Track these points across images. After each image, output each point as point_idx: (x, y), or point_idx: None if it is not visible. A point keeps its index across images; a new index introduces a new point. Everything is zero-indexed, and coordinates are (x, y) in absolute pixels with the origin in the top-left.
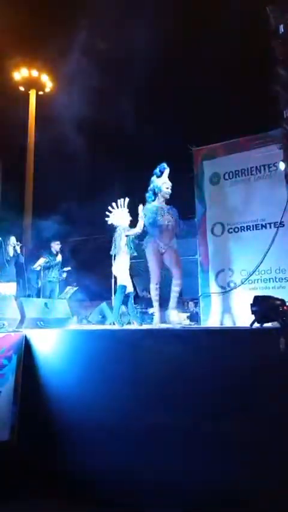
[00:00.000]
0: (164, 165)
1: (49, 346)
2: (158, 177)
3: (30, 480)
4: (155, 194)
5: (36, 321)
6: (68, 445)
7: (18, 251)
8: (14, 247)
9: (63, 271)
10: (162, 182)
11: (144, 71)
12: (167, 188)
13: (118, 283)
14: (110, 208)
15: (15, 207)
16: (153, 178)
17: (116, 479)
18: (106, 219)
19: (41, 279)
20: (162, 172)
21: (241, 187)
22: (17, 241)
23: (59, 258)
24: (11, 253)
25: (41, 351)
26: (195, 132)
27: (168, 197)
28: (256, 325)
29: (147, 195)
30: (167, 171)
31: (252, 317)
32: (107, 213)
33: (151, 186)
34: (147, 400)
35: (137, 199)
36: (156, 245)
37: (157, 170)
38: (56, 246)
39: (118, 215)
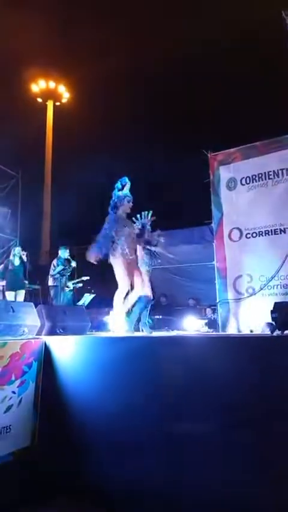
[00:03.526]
0: (126, 178)
1: (68, 353)
2: (119, 190)
3: (52, 486)
4: (117, 207)
5: (55, 327)
6: (88, 451)
7: (25, 260)
8: (21, 256)
9: (79, 280)
10: (124, 195)
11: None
12: (129, 202)
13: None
14: (134, 219)
15: (34, 215)
16: (115, 191)
17: (133, 487)
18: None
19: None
20: (123, 186)
21: (259, 192)
22: (23, 250)
23: (74, 264)
24: (17, 262)
25: (60, 357)
26: (210, 137)
27: (129, 211)
28: (277, 332)
29: (109, 209)
30: (128, 185)
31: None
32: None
33: (112, 199)
34: (168, 407)
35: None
36: (124, 254)
37: (118, 184)
38: (66, 253)
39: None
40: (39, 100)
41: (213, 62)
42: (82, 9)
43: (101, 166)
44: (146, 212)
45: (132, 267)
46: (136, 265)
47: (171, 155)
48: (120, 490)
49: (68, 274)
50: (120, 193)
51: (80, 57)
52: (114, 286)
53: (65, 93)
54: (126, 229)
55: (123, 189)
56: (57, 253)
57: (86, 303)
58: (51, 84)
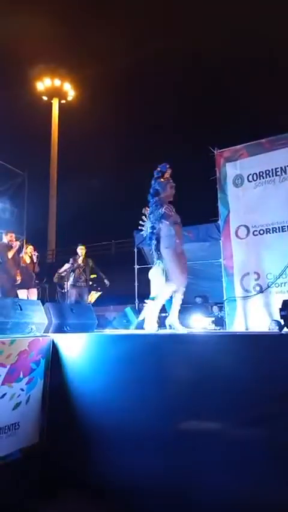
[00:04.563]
0: (166, 165)
1: (76, 350)
2: (159, 177)
3: (60, 482)
4: (158, 194)
5: (63, 325)
6: (96, 448)
7: (35, 260)
8: (31, 256)
9: (91, 278)
10: (166, 181)
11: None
12: (172, 188)
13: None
14: (141, 222)
15: (40, 213)
16: (154, 179)
17: (144, 484)
18: (141, 233)
19: (67, 283)
20: (163, 173)
21: (266, 189)
22: (34, 250)
23: (80, 261)
24: (28, 260)
25: (68, 355)
26: (217, 134)
27: (172, 198)
28: (286, 330)
29: (149, 198)
30: (169, 171)
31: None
32: (139, 227)
33: (153, 187)
34: (175, 404)
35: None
36: (175, 244)
37: (158, 170)
38: (79, 250)
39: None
40: (45, 98)
41: (218, 60)
42: (88, 9)
43: (107, 164)
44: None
45: (183, 256)
46: (184, 254)
47: (177, 152)
48: (124, 487)
49: (72, 271)
50: (162, 179)
51: (86, 55)
52: (119, 283)
53: (70, 91)
54: (174, 217)
55: (163, 176)
56: (64, 252)
57: (93, 301)
58: (57, 82)
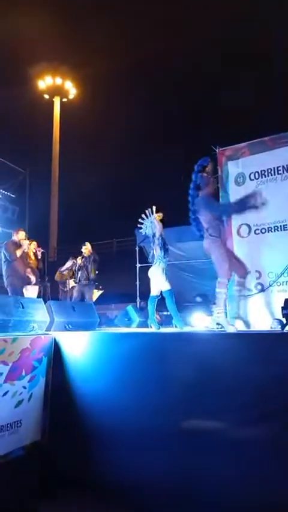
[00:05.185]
0: (207, 159)
1: (78, 349)
2: (200, 171)
3: (60, 482)
4: (199, 189)
5: (64, 323)
6: (98, 446)
7: (39, 256)
8: (35, 252)
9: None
10: (208, 177)
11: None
12: (213, 183)
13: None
14: (140, 220)
15: (42, 211)
16: (195, 174)
17: (145, 483)
18: (140, 230)
19: (68, 281)
20: (204, 167)
21: (268, 187)
22: (38, 246)
23: (79, 260)
24: (32, 257)
25: (69, 353)
26: (218, 133)
27: (214, 192)
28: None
29: (190, 192)
30: (210, 166)
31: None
32: (139, 225)
33: (194, 181)
34: (177, 403)
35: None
36: (220, 235)
37: (198, 164)
38: (82, 249)
39: (149, 224)
40: (46, 96)
41: (218, 59)
42: (89, 8)
43: (108, 163)
44: (149, 209)
45: (228, 249)
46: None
47: (179, 151)
48: (124, 487)
49: (81, 268)
50: (204, 174)
51: (87, 54)
52: (121, 282)
53: (71, 90)
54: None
55: (204, 170)
56: (65, 250)
57: (94, 299)
58: (58, 81)
